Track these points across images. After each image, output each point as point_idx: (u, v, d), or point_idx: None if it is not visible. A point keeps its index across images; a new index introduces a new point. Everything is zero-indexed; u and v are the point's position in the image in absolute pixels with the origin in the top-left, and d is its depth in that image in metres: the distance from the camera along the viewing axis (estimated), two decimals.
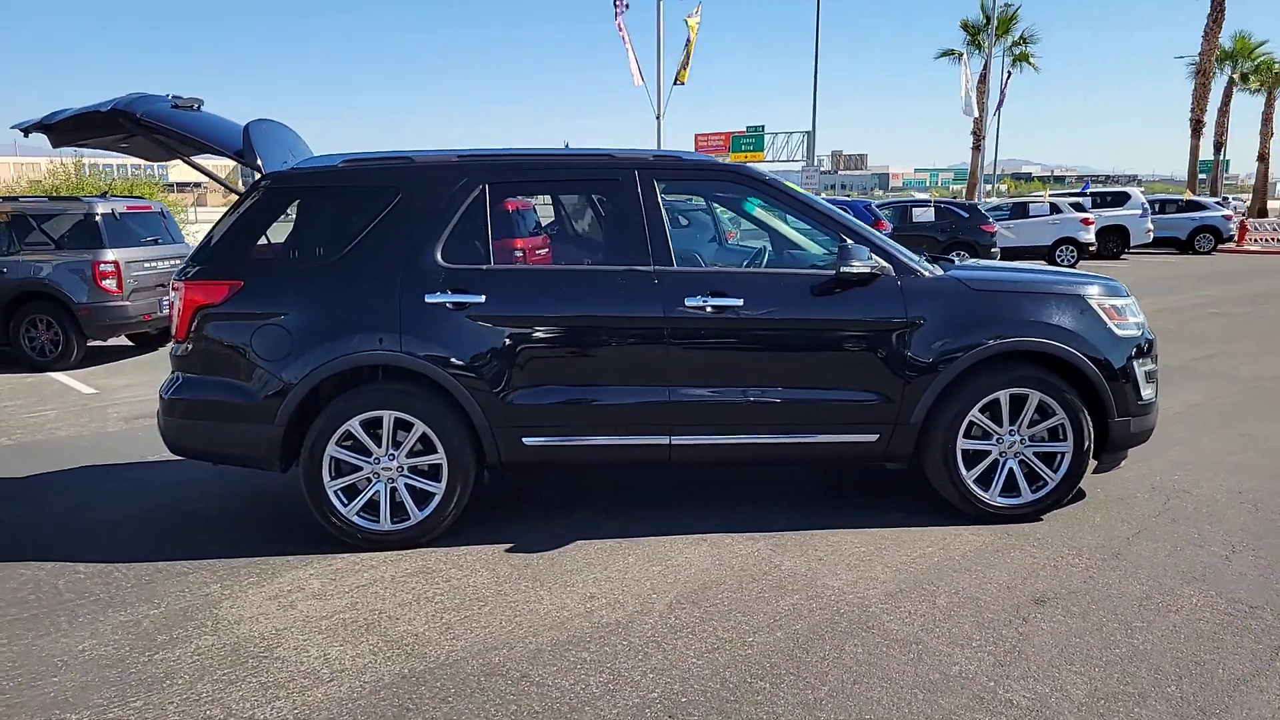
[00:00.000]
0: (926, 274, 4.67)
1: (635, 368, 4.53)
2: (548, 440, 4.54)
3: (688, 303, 4.48)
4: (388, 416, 4.46)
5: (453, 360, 4.43)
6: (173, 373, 4.70)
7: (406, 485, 4.54)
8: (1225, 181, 42.75)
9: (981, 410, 4.66)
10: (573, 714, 3.07)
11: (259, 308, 4.46)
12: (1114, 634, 3.53)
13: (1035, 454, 4.74)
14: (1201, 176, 49.02)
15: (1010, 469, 4.75)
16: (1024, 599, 3.86)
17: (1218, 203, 30.33)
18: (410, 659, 3.46)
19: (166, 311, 10.75)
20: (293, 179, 4.66)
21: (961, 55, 30.83)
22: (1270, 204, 43.29)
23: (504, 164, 4.69)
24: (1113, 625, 3.60)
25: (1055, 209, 23.38)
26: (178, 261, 10.91)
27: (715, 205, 6.67)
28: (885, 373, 4.58)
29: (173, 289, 4.59)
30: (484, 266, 4.53)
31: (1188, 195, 30.60)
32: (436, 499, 4.53)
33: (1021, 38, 33.74)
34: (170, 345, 4.69)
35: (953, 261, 5.24)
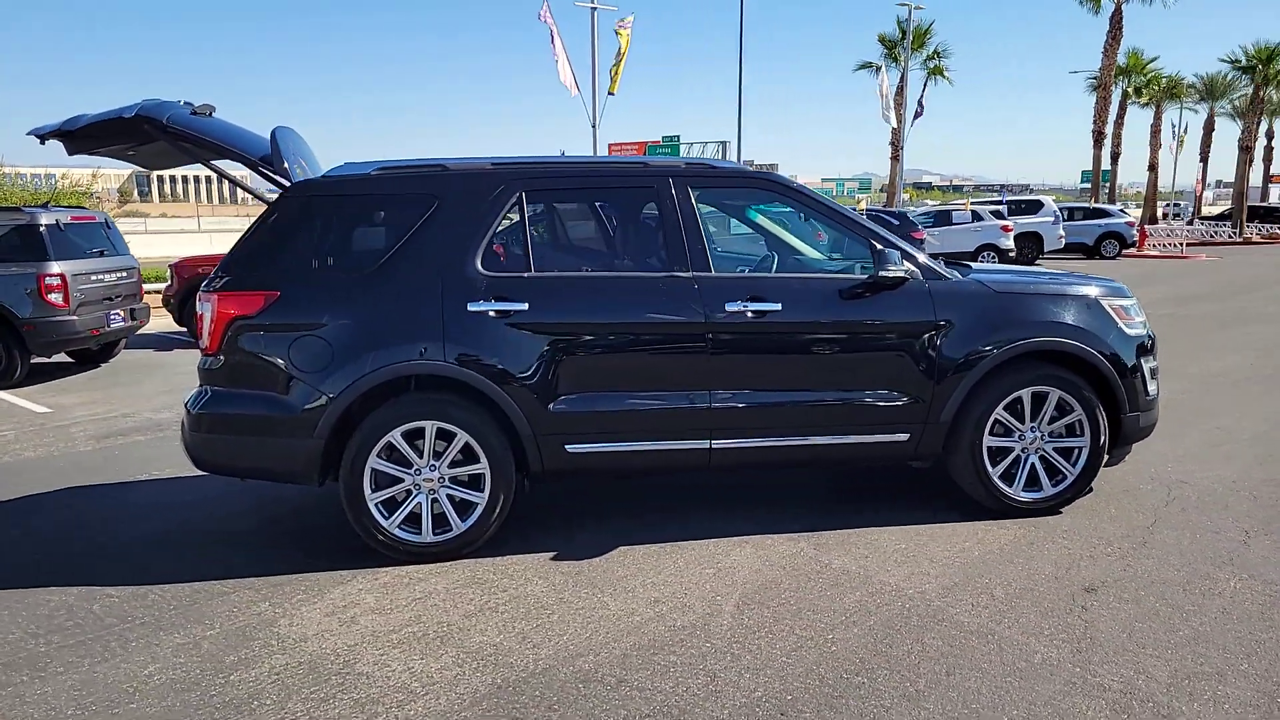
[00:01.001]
0: (951, 278, 4.83)
1: (677, 373, 4.57)
2: (591, 447, 4.55)
3: (728, 308, 4.55)
4: (430, 426, 4.40)
5: (497, 368, 4.40)
6: (200, 386, 4.55)
7: (448, 496, 4.48)
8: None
9: (1005, 408, 4.84)
10: (684, 716, 3.08)
11: (297, 318, 4.36)
12: (1171, 618, 3.71)
13: (1055, 449, 4.94)
14: (1089, 186, 51.40)
15: (1032, 464, 4.93)
16: (1075, 588, 4.02)
17: (1120, 210, 31.85)
18: (498, 669, 3.43)
19: (116, 326, 10.35)
20: (325, 188, 4.57)
21: (880, 68, 31.81)
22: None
23: (540, 171, 4.68)
24: (1167, 610, 3.78)
25: (977, 217, 24.24)
26: (126, 274, 10.55)
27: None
28: (916, 374, 4.72)
29: (201, 300, 4.45)
30: (525, 274, 4.51)
31: (1093, 203, 32.07)
32: (479, 509, 4.49)
33: (935, 52, 34.97)
34: (200, 359, 4.53)
35: (969, 266, 5.41)
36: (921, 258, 4.84)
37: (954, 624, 3.70)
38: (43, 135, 4.58)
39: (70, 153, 4.75)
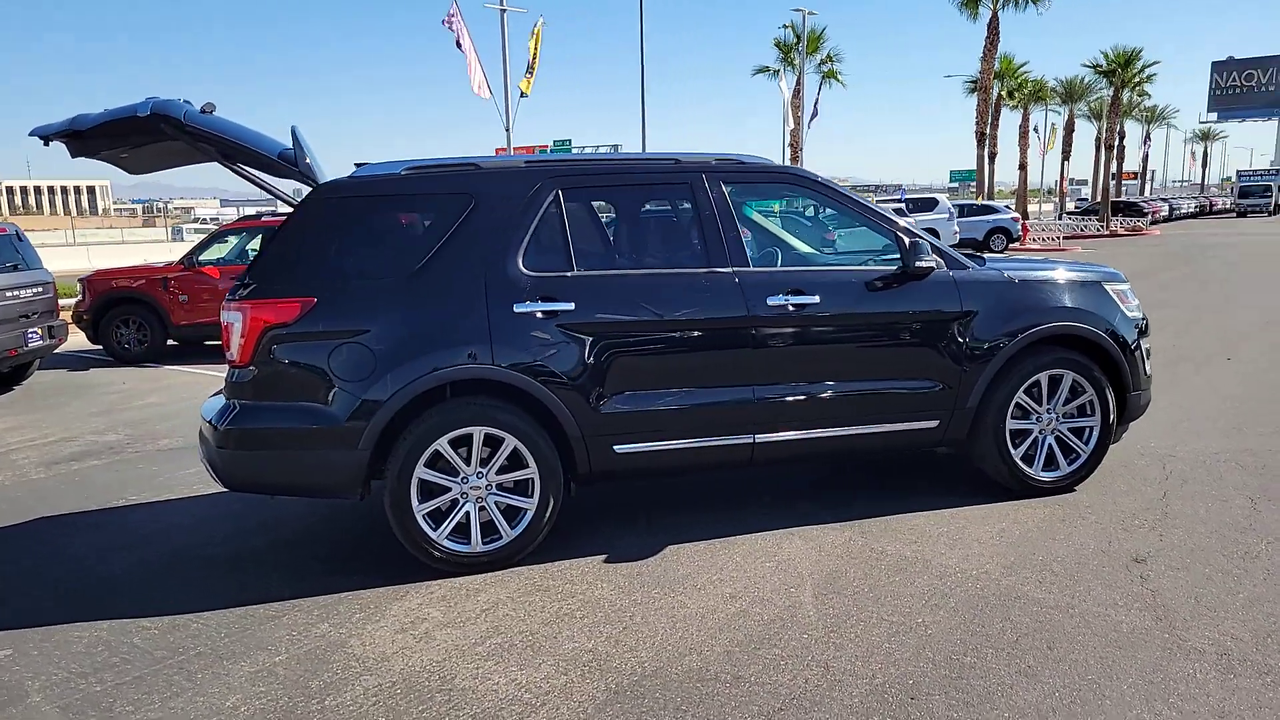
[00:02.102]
0: (972, 267, 4.98)
1: (722, 368, 4.57)
2: (639, 446, 4.50)
3: (770, 302, 4.57)
4: (477, 433, 4.27)
5: (545, 370, 4.31)
6: (228, 400, 4.30)
7: (496, 503, 4.36)
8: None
9: (1025, 392, 5.01)
10: (816, 707, 3.08)
11: (337, 325, 4.17)
12: (1225, 583, 3.91)
13: (1068, 429, 5.14)
14: (957, 185, 53.87)
15: (1049, 445, 5.13)
16: (1124, 560, 4.20)
17: (1006, 206, 33.43)
18: (606, 674, 3.35)
19: (34, 345, 9.69)
20: (357, 188, 4.38)
21: (778, 71, 32.52)
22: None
23: (574, 169, 4.61)
24: (1219, 576, 3.99)
25: None
26: (41, 290, 9.90)
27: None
28: (945, 361, 4.85)
29: (229, 310, 4.20)
30: (569, 273, 4.43)
31: (981, 200, 33.58)
32: (529, 515, 4.38)
33: (828, 56, 36.01)
34: (230, 373, 4.28)
35: (981, 256, 5.58)
36: (945, 249, 4.97)
37: (1031, 600, 3.81)
38: (47, 135, 4.23)
39: (74, 154, 4.41)
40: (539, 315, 4.32)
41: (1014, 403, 4.99)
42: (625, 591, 4.07)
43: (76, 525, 5.33)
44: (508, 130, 24.54)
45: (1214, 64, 76.04)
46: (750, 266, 4.63)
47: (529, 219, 4.41)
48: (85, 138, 4.25)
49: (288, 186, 5.04)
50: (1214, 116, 79.96)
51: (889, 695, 3.13)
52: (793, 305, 4.60)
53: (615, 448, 4.46)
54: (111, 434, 7.72)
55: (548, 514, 4.40)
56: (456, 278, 4.29)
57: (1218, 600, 3.75)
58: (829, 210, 5.18)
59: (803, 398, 4.67)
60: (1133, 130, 66.69)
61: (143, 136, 4.41)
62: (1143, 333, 5.33)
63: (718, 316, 4.53)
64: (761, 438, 4.65)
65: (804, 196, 5.03)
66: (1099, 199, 45.59)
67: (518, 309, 4.30)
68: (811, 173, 5.03)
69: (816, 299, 4.63)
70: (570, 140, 40.57)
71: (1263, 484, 5.18)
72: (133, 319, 11.73)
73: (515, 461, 4.36)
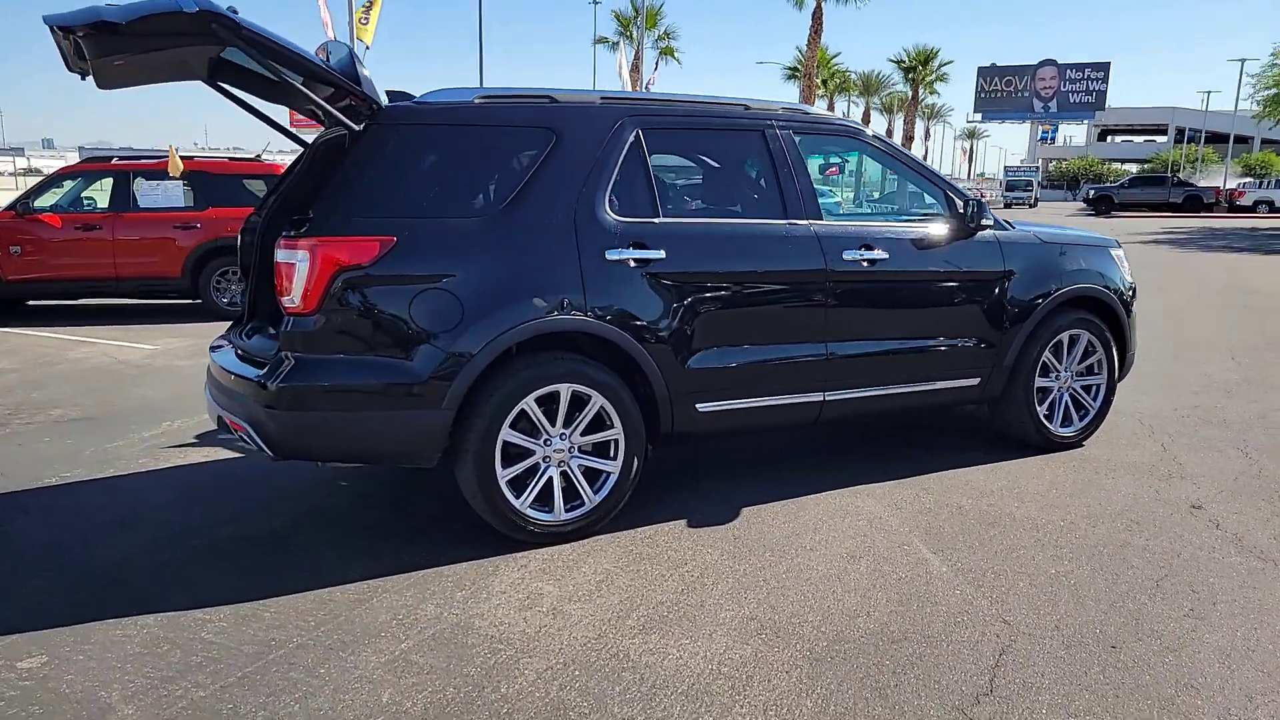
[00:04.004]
0: (1011, 229, 5.07)
1: (800, 324, 4.42)
2: (720, 405, 4.28)
3: (846, 256, 4.46)
4: (565, 390, 3.92)
5: (637, 322, 4.01)
6: (279, 353, 3.71)
7: (580, 467, 4.03)
8: None
9: (1050, 351, 5.18)
10: (1028, 660, 3.02)
11: (419, 269, 3.69)
12: None
13: (1080, 387, 5.37)
14: None
15: (1066, 402, 5.33)
16: (1183, 506, 4.41)
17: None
18: (790, 641, 3.15)
19: None
20: (428, 115, 3.88)
21: (617, 44, 32.37)
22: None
23: (652, 108, 4.29)
24: (1274, 517, 4.26)
25: None
26: None
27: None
28: (989, 320, 4.92)
29: (288, 249, 3.62)
30: (656, 220, 4.13)
31: None
32: (612, 479, 4.08)
33: (665, 33, 36.22)
34: (286, 322, 3.68)
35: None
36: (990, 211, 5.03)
37: (1137, 548, 3.92)
38: (70, 26, 3.40)
39: (93, 54, 3.59)
40: (631, 263, 4.00)
41: (1041, 361, 5.14)
42: (736, 557, 3.85)
43: (27, 508, 4.48)
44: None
45: (980, 69, 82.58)
46: (824, 220, 4.49)
47: (613, 158, 4.07)
48: (120, 33, 3.49)
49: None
50: (979, 117, 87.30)
51: (1089, 645, 3.11)
52: (866, 261, 4.51)
53: (698, 406, 4.22)
54: None
55: (631, 477, 4.11)
56: (545, 219, 3.90)
57: None
58: (884, 167, 5.07)
59: (870, 355, 4.61)
60: (917, 125, 71.45)
61: (169, 40, 3.69)
62: (1134, 296, 5.63)
63: (799, 269, 4.37)
64: (831, 396, 4.54)
65: (860, 151, 4.94)
66: None
67: (610, 256, 3.96)
68: (868, 129, 4.93)
69: (886, 255, 4.56)
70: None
71: (1240, 435, 5.60)
72: None
73: (597, 422, 4.03)
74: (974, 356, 4.92)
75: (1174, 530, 4.10)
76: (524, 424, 3.88)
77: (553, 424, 3.94)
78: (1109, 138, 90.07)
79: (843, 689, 2.85)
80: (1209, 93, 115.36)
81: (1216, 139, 69.73)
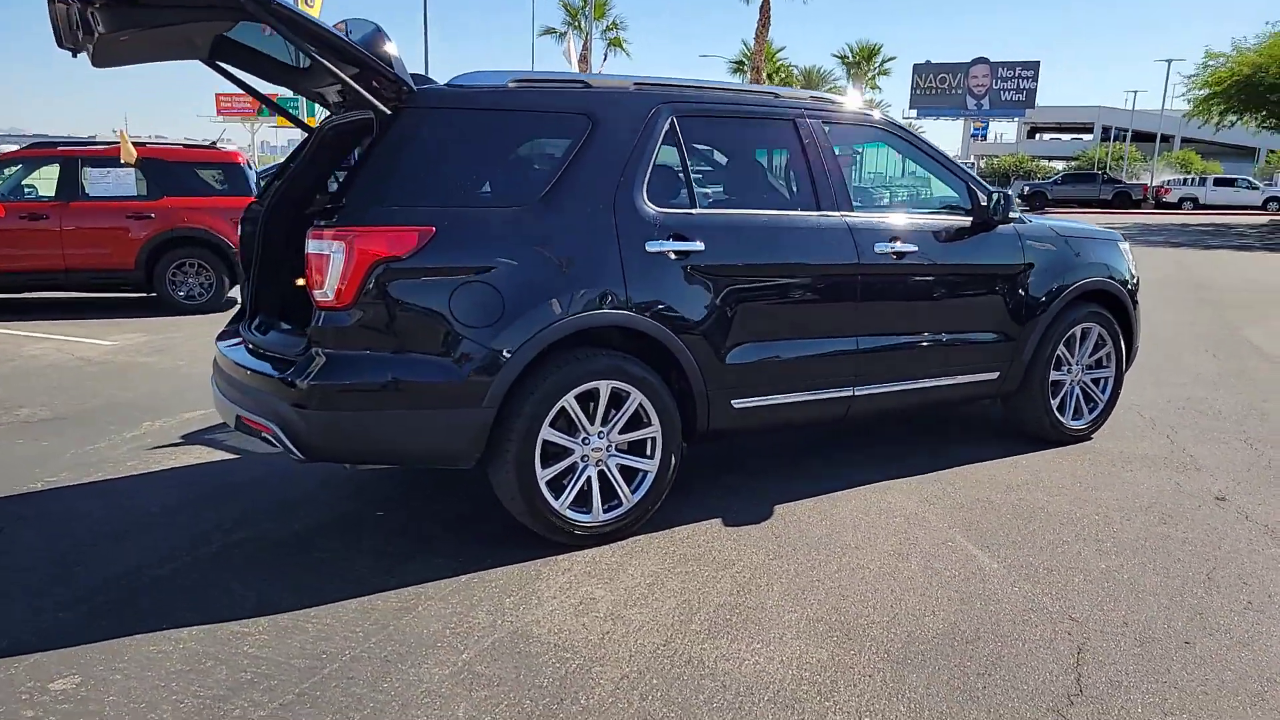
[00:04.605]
0: (1028, 221, 5.07)
1: (832, 317, 4.35)
2: (755, 401, 4.19)
3: (877, 249, 4.40)
4: (604, 387, 3.79)
5: (677, 317, 3.90)
6: (309, 350, 3.51)
7: (618, 466, 3.90)
8: None
9: (1065, 344, 5.19)
10: (1109, 658, 2.98)
11: (460, 260, 3.52)
12: None
13: (1090, 380, 5.40)
14: None
15: (1077, 396, 5.36)
16: (1207, 498, 4.45)
17: None
18: (864, 643, 3.07)
19: None
20: (460, 99, 3.70)
21: (565, 34, 32.01)
22: None
23: (685, 94, 4.16)
24: None
25: None
26: None
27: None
28: (1010, 313, 4.91)
29: (321, 239, 3.42)
30: (694, 211, 4.02)
31: None
32: (649, 478, 3.96)
33: (613, 24, 35.94)
34: (318, 316, 3.48)
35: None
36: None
37: (1178, 540, 3.93)
38: None
39: (108, 27, 3.31)
40: (671, 255, 3.88)
41: (1056, 355, 5.15)
42: (782, 556, 3.77)
43: (19, 516, 4.20)
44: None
45: (915, 66, 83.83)
46: (854, 212, 4.42)
47: (649, 146, 3.94)
48: (142, 5, 3.23)
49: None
50: (914, 113, 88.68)
51: (1161, 641, 3.09)
52: (895, 253, 4.46)
53: (734, 403, 4.12)
54: None
55: (668, 476, 3.99)
56: (585, 209, 3.75)
57: None
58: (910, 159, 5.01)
59: (897, 349, 4.56)
60: None
61: (191, 14, 3.46)
62: (1138, 288, 5.68)
63: (834, 262, 4.30)
64: (860, 391, 4.48)
65: (887, 143, 4.88)
66: None
67: (650, 248, 3.84)
68: (896, 121, 4.87)
69: (915, 247, 4.52)
70: None
71: (1237, 427, 5.71)
72: None
73: (635, 419, 3.91)
74: (994, 350, 4.90)
75: (1207, 523, 4.13)
76: (561, 422, 3.74)
77: (591, 422, 3.80)
78: (1038, 135, 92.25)
79: (931, 692, 2.78)
80: (1135, 92, 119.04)
81: (1141, 137, 71.91)
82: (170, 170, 10.38)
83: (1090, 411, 5.41)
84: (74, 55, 4.10)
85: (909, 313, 4.58)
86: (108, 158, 10.17)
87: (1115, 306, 5.38)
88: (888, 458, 5.02)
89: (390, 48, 3.57)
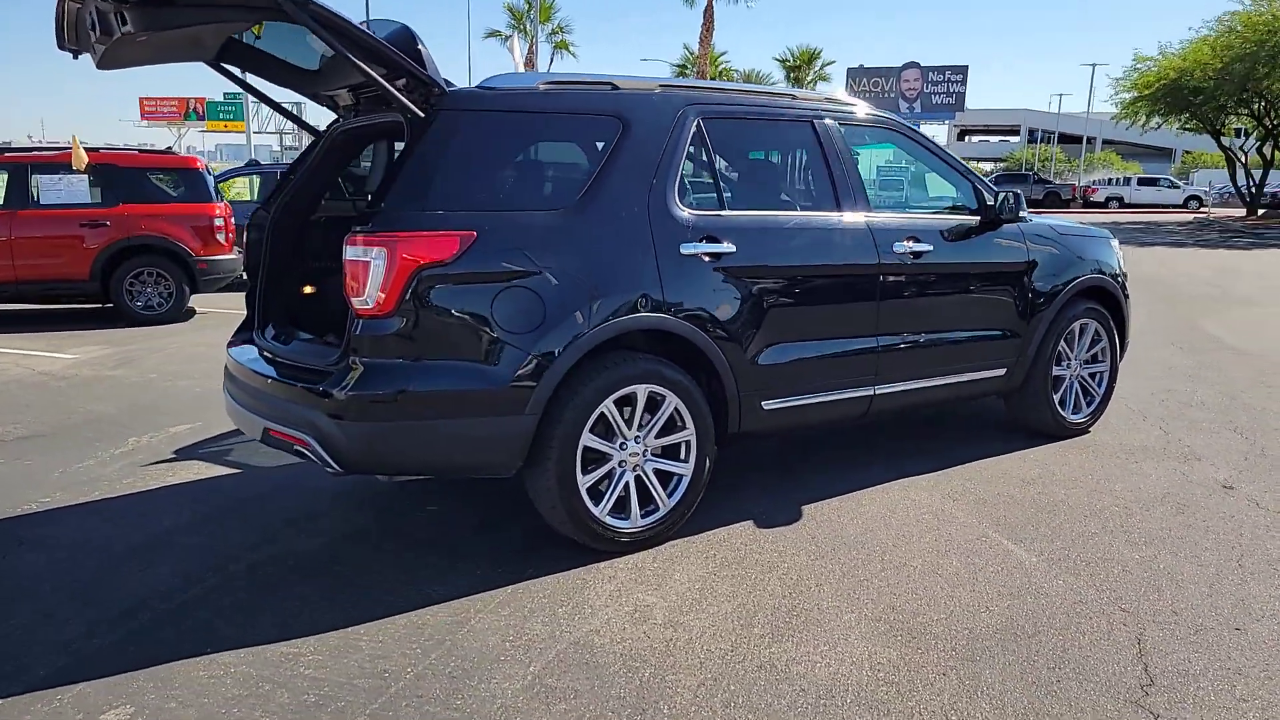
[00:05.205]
0: (1031, 220, 5.16)
1: (855, 317, 4.38)
2: (783, 402, 4.19)
3: (895, 249, 4.44)
4: (641, 391, 3.75)
5: (710, 319, 3.88)
6: (347, 359, 3.41)
7: (654, 470, 3.87)
8: None
9: (1065, 340, 5.30)
10: (1175, 643, 3.04)
11: (501, 265, 3.45)
12: None
13: (1088, 374, 5.52)
14: None
15: (1076, 390, 5.47)
16: (1215, 488, 4.57)
17: None
18: (927, 642, 3.08)
19: None
20: (492, 101, 3.63)
21: (510, 37, 31.76)
22: None
23: (709, 96, 4.14)
24: None
25: None
26: None
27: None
28: (1016, 310, 4.99)
29: (360, 245, 3.32)
30: (723, 213, 4.01)
31: None
32: (685, 482, 3.93)
33: (559, 26, 35.76)
34: (356, 324, 3.38)
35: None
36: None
37: (1209, 531, 4.02)
38: None
39: (138, 27, 3.15)
40: (704, 258, 3.86)
41: (1057, 351, 5.25)
42: (823, 556, 3.77)
43: (21, 540, 4.00)
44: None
45: (849, 70, 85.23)
46: (873, 212, 4.46)
47: (679, 148, 3.91)
48: (176, 5, 3.09)
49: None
50: None
51: (1214, 629, 3.15)
52: (912, 253, 4.50)
53: (764, 404, 4.12)
54: None
55: (703, 479, 3.97)
56: (621, 212, 3.71)
57: None
58: (918, 160, 5.04)
59: (913, 347, 4.60)
60: None
61: (222, 13, 3.33)
62: (1127, 282, 5.82)
63: (857, 262, 4.32)
64: (881, 389, 4.51)
65: (896, 145, 4.92)
66: None
67: (684, 250, 3.81)
68: (906, 123, 4.90)
69: (930, 247, 4.56)
70: (238, 94, 37.21)
71: (1223, 418, 5.88)
72: None
73: (670, 423, 3.88)
74: (1001, 347, 4.98)
75: (1222, 511, 4.24)
76: (600, 428, 3.70)
77: (629, 427, 3.76)
78: (967, 137, 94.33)
79: (1008, 688, 2.80)
80: (1060, 95, 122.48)
81: (1066, 139, 73.99)
82: (126, 177, 10.05)
83: (1088, 405, 5.53)
84: (75, 57, 3.95)
85: (925, 311, 4.63)
86: (59, 164, 9.79)
87: (1110, 302, 5.50)
88: (896, 454, 5.06)
89: (422, 48, 3.49)
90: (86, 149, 9.89)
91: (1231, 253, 20.29)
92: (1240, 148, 37.88)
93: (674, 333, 3.77)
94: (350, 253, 3.33)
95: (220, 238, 10.40)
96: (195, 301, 10.67)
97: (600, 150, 3.76)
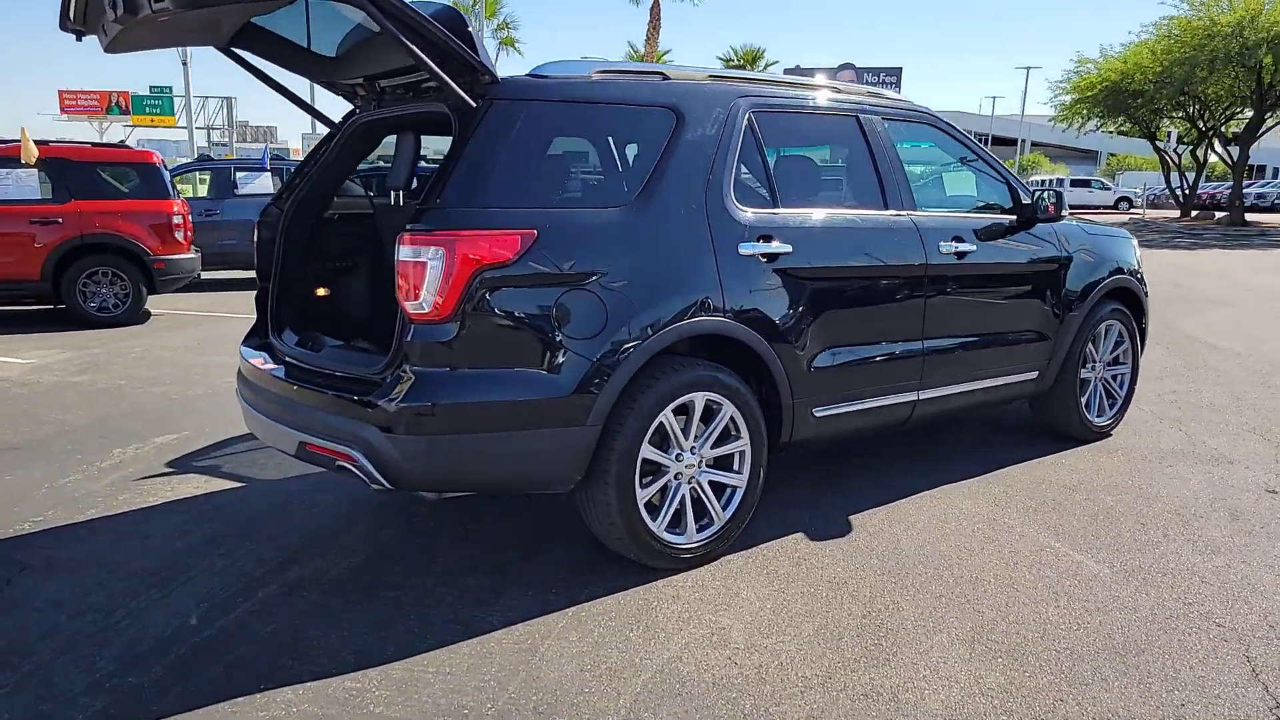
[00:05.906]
0: (1063, 219, 5.06)
1: (904, 319, 4.23)
2: (834, 409, 4.03)
3: (941, 248, 4.31)
4: (699, 399, 3.55)
5: (769, 324, 3.69)
6: (397, 367, 3.15)
7: (709, 482, 3.67)
8: None
9: (1091, 342, 5.23)
10: (1276, 653, 2.94)
11: (563, 265, 3.21)
12: None
13: (1110, 376, 5.46)
14: None
15: (1100, 392, 5.41)
16: (1260, 490, 4.52)
17: None
18: (1026, 660, 2.93)
19: None
20: (547, 91, 3.38)
21: None
22: None
23: (761, 89, 3.95)
24: None
25: None
26: None
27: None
28: (1051, 312, 4.90)
29: (415, 244, 3.06)
30: (778, 211, 3.82)
31: None
32: (739, 494, 3.74)
33: (504, 23, 35.25)
34: (408, 330, 3.11)
35: None
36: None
37: (1270, 535, 3.96)
38: None
39: (179, 5, 2.83)
40: (761, 258, 3.67)
41: (1084, 352, 5.18)
42: (888, 572, 3.60)
43: (23, 564, 3.65)
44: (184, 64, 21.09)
45: (785, 70, 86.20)
46: (918, 211, 4.31)
47: (733, 143, 3.72)
48: None
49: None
50: None
51: None
52: (956, 253, 4.37)
53: (815, 411, 3.94)
54: None
55: (757, 491, 3.78)
56: (679, 210, 3.50)
57: None
58: (954, 156, 4.91)
59: (956, 350, 4.48)
60: None
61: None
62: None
63: (907, 262, 4.18)
64: (925, 394, 4.37)
65: (933, 141, 4.78)
66: None
67: (743, 250, 3.62)
68: (941, 119, 4.76)
69: (973, 246, 4.44)
70: (171, 87, 36.26)
71: (1238, 420, 5.88)
72: None
73: (724, 432, 3.69)
74: (1035, 350, 4.88)
75: (1276, 516, 4.17)
76: (655, 438, 3.48)
77: (686, 437, 3.56)
78: None
79: (1132, 709, 2.65)
80: (994, 98, 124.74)
81: (1000, 142, 75.56)
82: (79, 171, 9.53)
83: (1111, 408, 5.47)
84: (79, 39, 3.62)
85: (968, 313, 4.50)
86: (7, 158, 9.24)
87: (1133, 303, 5.45)
88: (926, 459, 4.95)
89: (472, 29, 3.24)
90: (36, 142, 9.34)
91: (1178, 253, 20.75)
92: (1174, 150, 38.94)
93: (734, 337, 3.57)
94: (404, 253, 3.06)
95: (179, 236, 9.94)
96: (150, 303, 10.16)
97: (656, 144, 3.54)
